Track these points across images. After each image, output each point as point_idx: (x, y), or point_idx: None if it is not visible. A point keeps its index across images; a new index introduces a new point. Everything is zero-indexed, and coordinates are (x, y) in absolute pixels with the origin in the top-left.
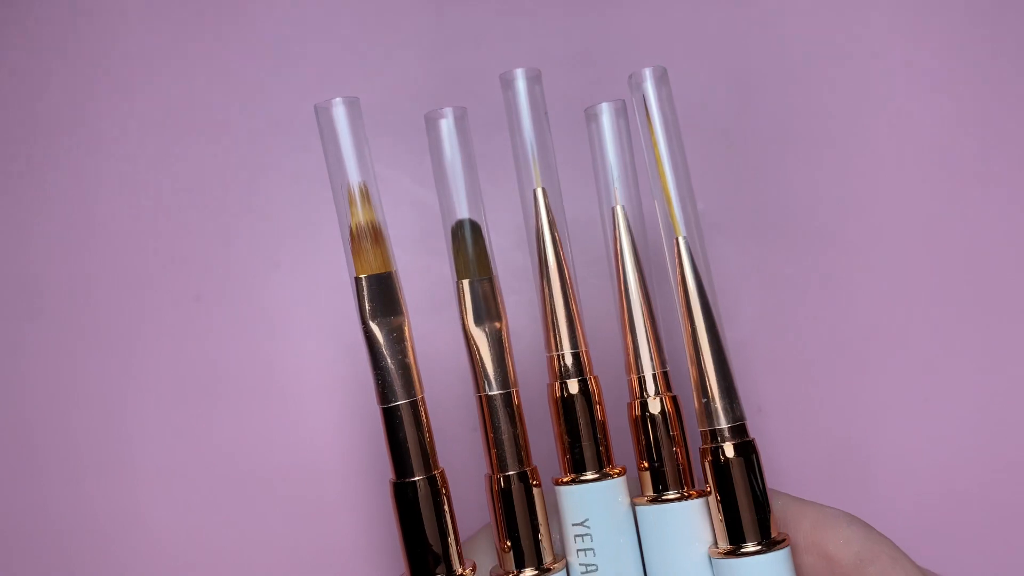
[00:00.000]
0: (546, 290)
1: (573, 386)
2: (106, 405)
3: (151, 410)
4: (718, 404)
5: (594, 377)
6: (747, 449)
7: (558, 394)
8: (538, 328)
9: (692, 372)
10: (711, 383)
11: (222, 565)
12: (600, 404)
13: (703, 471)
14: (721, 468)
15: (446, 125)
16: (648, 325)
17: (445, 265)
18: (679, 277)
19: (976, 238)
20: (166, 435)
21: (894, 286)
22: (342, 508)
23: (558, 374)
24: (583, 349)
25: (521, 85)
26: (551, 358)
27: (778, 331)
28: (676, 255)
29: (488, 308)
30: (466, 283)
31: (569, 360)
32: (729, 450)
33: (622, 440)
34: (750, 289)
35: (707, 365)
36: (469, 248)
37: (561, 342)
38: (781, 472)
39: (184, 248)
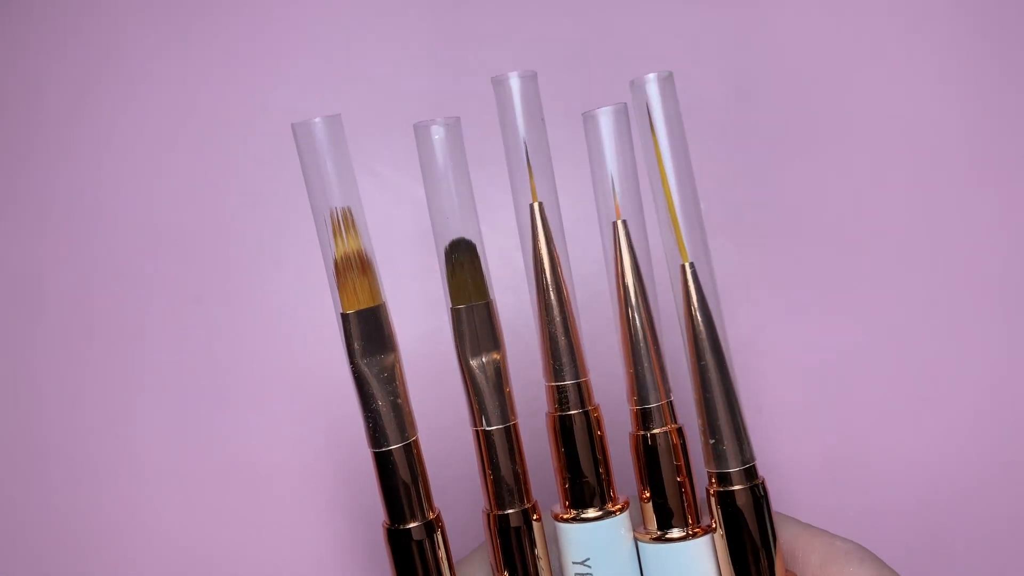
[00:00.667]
0: (545, 318)
1: (574, 418)
2: (106, 405)
3: (151, 410)
4: (727, 446)
5: (595, 407)
6: (757, 492)
7: (558, 426)
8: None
9: (699, 412)
10: (720, 424)
11: (221, 563)
12: (602, 433)
13: (710, 510)
14: (730, 513)
15: (437, 133)
16: (652, 353)
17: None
18: (685, 310)
19: (976, 238)
20: (166, 435)
21: (894, 286)
22: (342, 507)
23: (558, 404)
24: (584, 379)
25: (515, 86)
26: (551, 388)
27: (778, 332)
28: (682, 284)
29: (485, 337)
30: (462, 310)
31: (570, 392)
32: (739, 495)
33: (624, 463)
34: (751, 289)
35: (716, 406)
36: (465, 271)
37: (561, 372)
38: (781, 473)
39: (184, 249)
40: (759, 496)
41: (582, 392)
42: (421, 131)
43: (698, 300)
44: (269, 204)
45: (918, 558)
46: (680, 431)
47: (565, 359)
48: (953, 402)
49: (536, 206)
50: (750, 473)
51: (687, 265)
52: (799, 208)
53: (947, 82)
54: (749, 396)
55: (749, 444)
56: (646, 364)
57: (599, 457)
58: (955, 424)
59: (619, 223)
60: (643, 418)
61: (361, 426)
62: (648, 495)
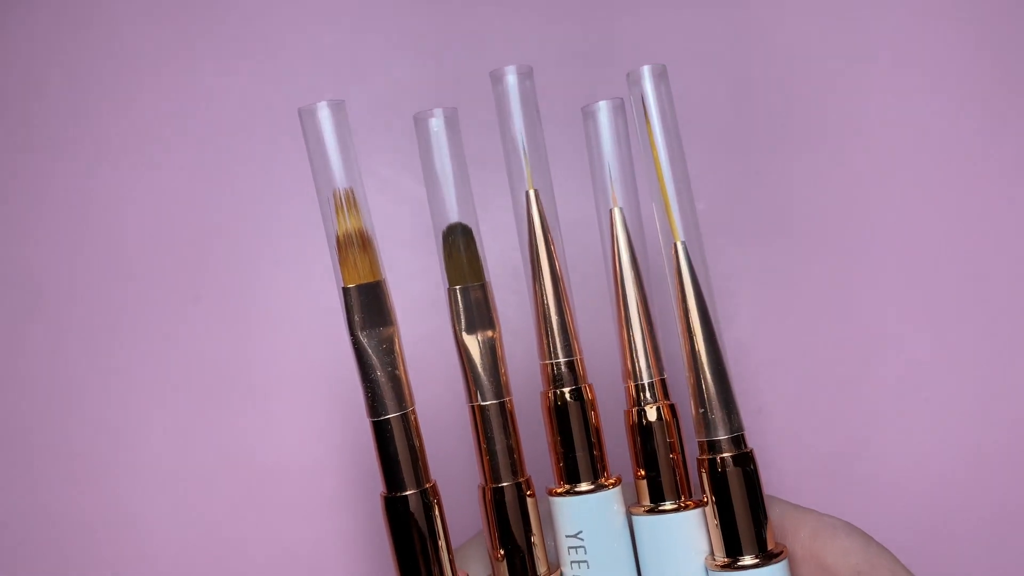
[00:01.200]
0: (539, 296)
1: (567, 395)
2: (105, 405)
3: (150, 410)
4: (716, 415)
5: (588, 385)
6: (745, 460)
7: (552, 403)
8: None
9: (690, 382)
10: (709, 393)
11: (217, 565)
12: (595, 411)
13: (700, 481)
14: (719, 480)
15: (436, 126)
16: (646, 332)
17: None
18: (677, 285)
19: (976, 238)
20: (164, 435)
21: (894, 286)
22: (340, 508)
23: (552, 382)
24: (578, 357)
25: (512, 81)
26: (545, 366)
27: (778, 331)
28: (674, 261)
29: (481, 316)
30: (458, 290)
31: (563, 368)
32: (727, 462)
33: (619, 444)
34: (750, 289)
35: (705, 375)
36: (461, 253)
37: (555, 350)
38: (781, 472)
39: (184, 248)
40: (748, 465)
41: (575, 370)
42: (420, 121)
43: (690, 276)
44: (269, 201)
45: (919, 557)
46: (673, 408)
47: (558, 337)
48: (954, 402)
49: (532, 193)
50: (738, 441)
51: (679, 244)
52: (799, 208)
53: (947, 82)
54: (749, 396)
55: (738, 414)
56: (640, 342)
57: (592, 433)
58: (956, 424)
59: (615, 210)
60: (637, 394)
61: (363, 423)
62: (642, 473)
